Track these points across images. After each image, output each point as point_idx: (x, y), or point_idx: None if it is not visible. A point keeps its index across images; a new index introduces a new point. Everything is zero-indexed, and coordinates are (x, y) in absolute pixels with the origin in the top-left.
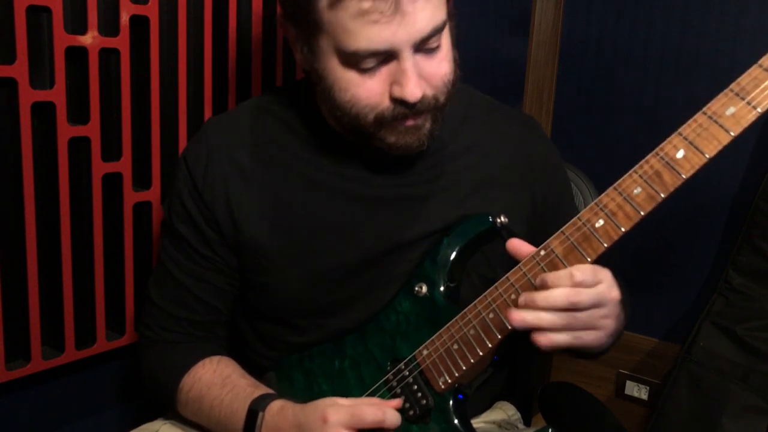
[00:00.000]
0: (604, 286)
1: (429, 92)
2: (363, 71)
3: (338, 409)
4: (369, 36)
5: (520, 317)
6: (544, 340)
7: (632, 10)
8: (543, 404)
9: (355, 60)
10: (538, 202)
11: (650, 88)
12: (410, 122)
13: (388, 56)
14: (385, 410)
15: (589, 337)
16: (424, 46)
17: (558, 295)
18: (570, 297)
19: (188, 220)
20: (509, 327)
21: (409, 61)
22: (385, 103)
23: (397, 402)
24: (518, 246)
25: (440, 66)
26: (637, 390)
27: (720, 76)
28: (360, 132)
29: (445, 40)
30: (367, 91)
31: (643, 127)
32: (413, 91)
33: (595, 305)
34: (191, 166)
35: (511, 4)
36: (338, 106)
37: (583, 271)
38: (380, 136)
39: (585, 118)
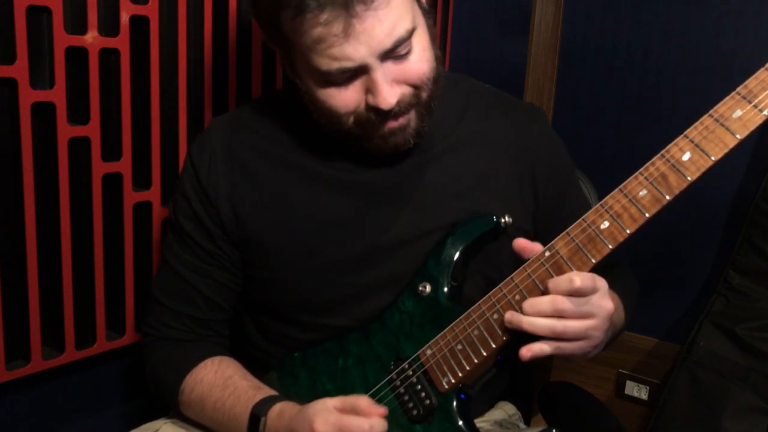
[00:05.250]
0: (598, 296)
1: (407, 91)
2: (338, 85)
3: (327, 418)
4: (332, 56)
5: (509, 316)
6: (525, 353)
7: (632, 10)
8: (543, 404)
9: (327, 77)
10: (540, 192)
11: (650, 87)
12: (392, 124)
13: (359, 69)
14: (372, 424)
15: (572, 347)
16: (392, 55)
17: (544, 302)
18: (556, 304)
19: (193, 216)
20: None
21: (378, 71)
22: (362, 109)
23: (384, 410)
24: (524, 245)
25: (415, 68)
26: (637, 390)
27: (720, 76)
28: (345, 136)
29: (417, 43)
30: (344, 101)
31: (643, 127)
32: (385, 99)
33: (584, 315)
34: (196, 163)
35: (511, 4)
36: (320, 115)
37: (584, 278)
38: (365, 138)
39: (585, 118)
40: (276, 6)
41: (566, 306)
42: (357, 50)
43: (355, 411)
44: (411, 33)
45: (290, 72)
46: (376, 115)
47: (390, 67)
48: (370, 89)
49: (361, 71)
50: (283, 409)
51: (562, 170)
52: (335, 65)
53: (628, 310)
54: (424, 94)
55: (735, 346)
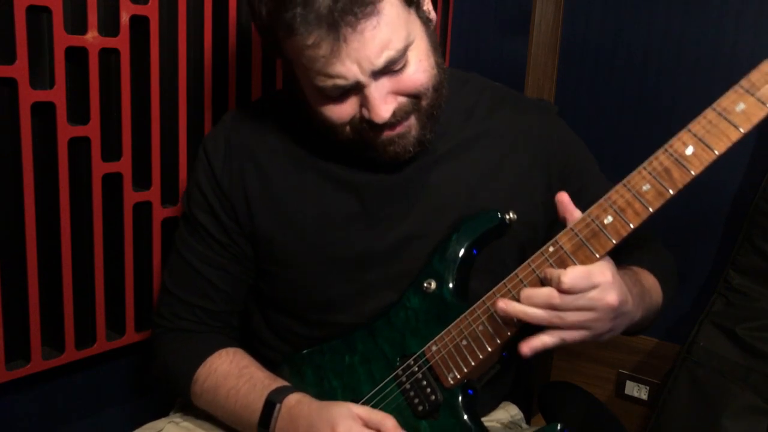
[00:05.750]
0: (597, 291)
1: (404, 101)
2: (333, 99)
3: (350, 427)
4: (326, 74)
5: (503, 305)
6: (525, 349)
7: (632, 10)
8: (543, 404)
9: (323, 92)
10: (554, 184)
11: (650, 87)
12: (389, 133)
13: (353, 86)
14: None
15: (574, 336)
16: (386, 70)
17: (539, 294)
18: (550, 299)
19: (207, 208)
20: (516, 324)
21: (371, 87)
22: (357, 120)
23: None
24: (564, 200)
25: (412, 79)
26: (637, 390)
27: (720, 75)
28: (345, 143)
29: (414, 55)
30: (340, 113)
31: (643, 127)
32: (379, 115)
33: (580, 309)
34: (210, 155)
35: (511, 4)
36: (319, 124)
37: (574, 277)
38: (364, 147)
39: (585, 118)
40: (272, 25)
41: (558, 302)
42: (349, 69)
43: (379, 430)
44: (404, 51)
45: (292, 80)
46: (371, 126)
47: (384, 82)
48: (364, 104)
49: (355, 88)
50: (300, 400)
51: (577, 163)
52: (329, 83)
53: (666, 290)
54: (424, 102)
55: (735, 346)
